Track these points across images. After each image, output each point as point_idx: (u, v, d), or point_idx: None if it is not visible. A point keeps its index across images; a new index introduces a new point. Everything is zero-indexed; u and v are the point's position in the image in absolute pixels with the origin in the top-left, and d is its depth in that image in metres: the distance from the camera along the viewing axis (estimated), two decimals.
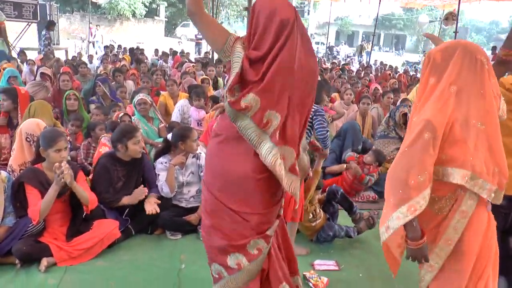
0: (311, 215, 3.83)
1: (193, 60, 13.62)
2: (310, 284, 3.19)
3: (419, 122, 1.87)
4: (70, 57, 13.73)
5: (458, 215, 1.94)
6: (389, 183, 1.93)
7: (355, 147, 5.50)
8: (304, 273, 3.28)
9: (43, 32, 12.35)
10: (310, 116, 3.39)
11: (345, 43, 42.22)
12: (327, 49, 29.42)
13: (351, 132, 5.52)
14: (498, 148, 1.92)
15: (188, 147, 4.02)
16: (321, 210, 3.94)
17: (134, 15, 32.57)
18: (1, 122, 4.90)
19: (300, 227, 3.78)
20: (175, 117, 6.31)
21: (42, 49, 12.11)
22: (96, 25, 24.26)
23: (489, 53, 14.72)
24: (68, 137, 4.96)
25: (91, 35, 20.96)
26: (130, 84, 8.15)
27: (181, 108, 6.33)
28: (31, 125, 3.91)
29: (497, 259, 2.06)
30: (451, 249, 1.96)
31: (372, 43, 18.53)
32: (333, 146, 5.41)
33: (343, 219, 4.12)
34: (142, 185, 3.90)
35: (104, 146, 4.34)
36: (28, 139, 3.83)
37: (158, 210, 3.77)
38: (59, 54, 14.95)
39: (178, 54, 15.55)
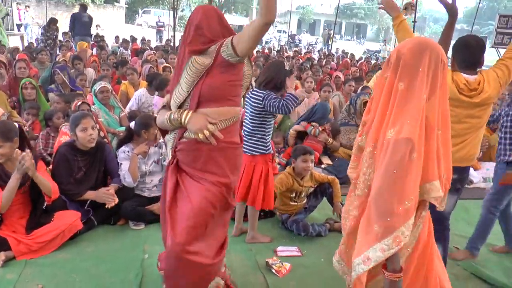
0: (294, 194, 3.95)
1: (154, 48, 13.40)
2: (273, 270, 3.25)
3: (401, 142, 1.71)
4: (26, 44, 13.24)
5: (420, 221, 1.89)
6: (375, 209, 1.75)
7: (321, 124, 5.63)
8: (266, 260, 3.34)
9: (41, 31, 11.73)
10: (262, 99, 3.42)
11: (306, 32, 42.47)
12: (289, 38, 29.52)
13: (320, 110, 5.62)
14: (448, 153, 1.88)
15: (151, 136, 3.98)
16: (305, 197, 4.08)
17: (93, 1, 31.60)
18: None
19: (279, 201, 3.93)
20: (131, 106, 6.19)
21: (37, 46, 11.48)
22: (26, 6, 22.91)
23: None
24: (26, 127, 4.83)
25: (19, 18, 19.49)
26: (90, 72, 7.95)
27: (139, 98, 6.23)
28: None
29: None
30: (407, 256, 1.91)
31: (334, 32, 18.70)
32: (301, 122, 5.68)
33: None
34: (111, 187, 3.86)
35: (65, 135, 4.25)
36: None
37: (117, 200, 3.73)
38: (15, 41, 14.41)
39: (140, 41, 15.27)
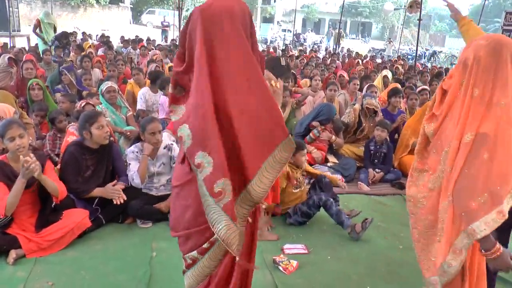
0: (295, 181, 4.03)
1: (158, 48, 13.45)
2: (280, 268, 3.27)
3: (478, 139, 1.84)
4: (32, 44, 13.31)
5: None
6: (470, 187, 1.84)
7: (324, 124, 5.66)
8: (274, 257, 3.36)
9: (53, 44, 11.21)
10: None
11: (311, 31, 42.38)
12: (294, 36, 29.50)
13: (326, 112, 5.61)
14: None
15: (146, 139, 4.00)
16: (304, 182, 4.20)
17: (98, 1, 31.71)
18: None
19: (282, 195, 3.97)
20: (139, 105, 6.31)
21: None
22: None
23: None
24: (33, 128, 4.88)
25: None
26: (96, 72, 8.01)
27: (143, 96, 6.32)
28: (0, 107, 3.83)
29: None
30: None
31: (339, 31, 18.69)
32: (307, 123, 5.70)
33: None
34: (116, 180, 3.89)
35: (72, 135, 4.29)
36: None
37: (125, 198, 3.76)
38: (21, 42, 14.50)
39: (145, 41, 15.33)
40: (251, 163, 1.77)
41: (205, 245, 1.97)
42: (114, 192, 3.76)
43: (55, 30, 11.34)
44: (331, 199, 3.99)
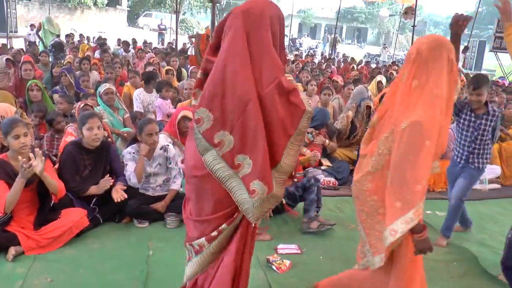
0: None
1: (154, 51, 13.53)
2: (273, 267, 3.35)
3: (412, 128, 2.05)
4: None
5: None
6: (396, 189, 2.09)
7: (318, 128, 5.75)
8: (267, 257, 3.44)
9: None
10: None
11: (307, 35, 42.63)
12: (290, 41, 29.66)
13: (320, 117, 5.67)
14: (446, 132, 2.25)
15: (143, 140, 4.08)
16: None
17: (95, 3, 31.76)
18: None
19: None
20: (136, 106, 6.43)
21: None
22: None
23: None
24: (32, 128, 4.94)
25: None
26: (94, 74, 8.09)
27: (138, 97, 6.44)
28: (2, 108, 3.91)
29: None
30: None
31: (335, 36, 18.85)
32: None
33: None
34: (108, 175, 3.95)
35: (70, 136, 4.37)
36: None
37: (126, 196, 3.84)
38: (18, 43, 14.53)
39: (142, 44, 15.41)
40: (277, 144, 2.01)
41: (213, 233, 2.13)
42: (106, 182, 3.85)
43: (58, 37, 11.48)
44: (317, 187, 4.13)
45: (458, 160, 3.90)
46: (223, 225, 2.11)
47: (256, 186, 1.96)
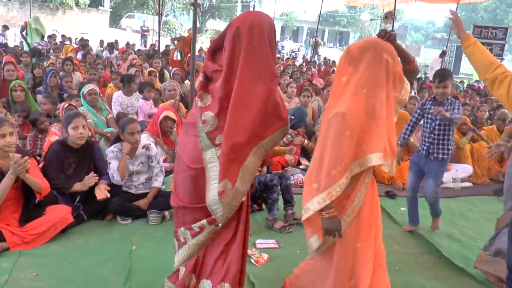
0: None
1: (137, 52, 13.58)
2: (252, 261, 3.49)
3: (335, 118, 2.25)
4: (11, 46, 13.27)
5: (364, 186, 2.41)
6: (315, 171, 2.29)
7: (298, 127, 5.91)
8: None
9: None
10: None
11: (290, 38, 42.95)
12: None
13: (298, 115, 5.85)
14: (392, 133, 2.38)
15: (125, 139, 4.21)
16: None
17: (77, 4, 31.50)
18: None
19: None
20: (114, 109, 6.48)
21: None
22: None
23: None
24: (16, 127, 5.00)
25: None
26: (77, 75, 8.14)
27: (117, 100, 6.51)
28: None
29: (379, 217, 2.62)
30: (354, 215, 2.43)
31: (315, 39, 19.11)
32: None
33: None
34: (92, 172, 4.04)
35: (54, 135, 4.46)
36: None
37: (109, 195, 3.95)
38: None
39: (124, 45, 15.43)
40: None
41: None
42: (90, 179, 3.95)
43: (42, 37, 11.44)
44: (279, 187, 4.24)
45: (422, 151, 4.12)
46: None
47: (224, 186, 2.19)
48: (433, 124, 4.04)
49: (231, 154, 2.17)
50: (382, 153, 2.29)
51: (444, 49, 17.80)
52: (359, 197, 2.41)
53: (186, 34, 14.39)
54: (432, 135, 4.04)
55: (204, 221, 2.35)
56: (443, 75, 4.00)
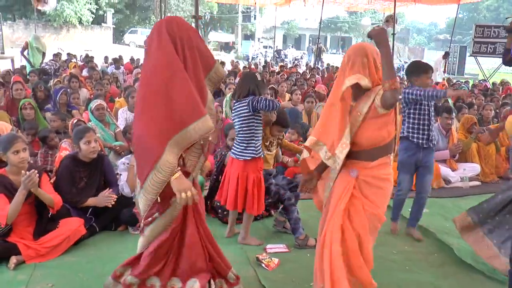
0: (268, 142, 4.27)
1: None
2: (263, 265, 3.55)
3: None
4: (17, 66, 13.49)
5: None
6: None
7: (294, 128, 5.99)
8: (257, 256, 3.65)
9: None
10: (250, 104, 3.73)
11: (292, 46, 43.17)
12: (275, 53, 30.06)
13: (292, 115, 5.93)
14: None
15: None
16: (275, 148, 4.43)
17: (80, 22, 31.97)
18: None
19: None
20: (119, 124, 6.39)
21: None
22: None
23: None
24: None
25: None
26: (84, 92, 8.27)
27: (121, 117, 6.50)
28: None
29: None
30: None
31: (318, 45, 19.23)
32: None
33: None
34: (108, 188, 4.11)
35: (65, 150, 4.54)
36: None
37: (115, 198, 4.03)
38: (4, 64, 14.65)
39: (129, 60, 15.60)
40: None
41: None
42: (107, 198, 4.02)
43: (43, 56, 11.60)
44: (296, 206, 4.03)
45: (421, 142, 4.03)
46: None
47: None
48: (430, 110, 4.02)
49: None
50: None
51: (448, 50, 17.84)
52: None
53: None
54: (431, 122, 4.04)
55: (156, 214, 2.58)
56: (425, 66, 4.09)
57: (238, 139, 3.83)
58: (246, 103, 3.71)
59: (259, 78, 4.17)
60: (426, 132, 4.04)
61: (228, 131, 4.60)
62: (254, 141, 3.78)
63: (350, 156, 2.63)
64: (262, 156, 3.92)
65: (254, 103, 3.66)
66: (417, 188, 4.29)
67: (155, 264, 2.68)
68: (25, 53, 11.26)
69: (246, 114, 3.73)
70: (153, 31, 2.44)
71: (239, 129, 3.81)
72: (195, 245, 2.66)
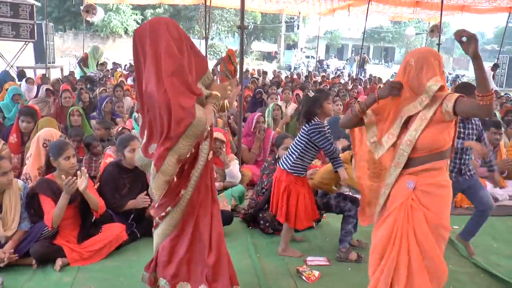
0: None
1: None
2: (303, 277, 3.50)
3: None
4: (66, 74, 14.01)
5: None
6: None
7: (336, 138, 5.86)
8: (297, 267, 3.60)
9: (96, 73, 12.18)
10: (307, 134, 3.72)
11: (335, 57, 42.81)
12: (317, 63, 29.92)
13: (334, 124, 5.80)
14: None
15: None
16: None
17: (126, 32, 32.96)
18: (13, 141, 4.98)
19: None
20: None
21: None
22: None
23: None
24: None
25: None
26: (128, 100, 8.48)
27: None
28: (49, 132, 4.29)
29: None
30: None
31: (361, 55, 18.99)
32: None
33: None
34: (146, 191, 4.18)
35: (109, 157, 4.66)
36: (45, 145, 4.22)
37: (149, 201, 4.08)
38: (55, 72, 15.26)
39: None
40: None
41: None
42: (143, 200, 4.09)
43: (97, 64, 12.06)
44: (355, 220, 3.92)
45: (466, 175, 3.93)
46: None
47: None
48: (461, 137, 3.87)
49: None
50: None
51: (496, 61, 17.18)
52: None
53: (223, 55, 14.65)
54: (463, 151, 3.88)
55: (169, 208, 2.71)
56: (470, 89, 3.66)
57: (291, 151, 3.83)
58: (307, 130, 3.74)
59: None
60: (457, 166, 3.90)
61: (281, 140, 4.46)
62: (303, 164, 3.78)
63: (407, 165, 2.57)
64: (306, 175, 3.91)
65: (319, 136, 3.67)
66: (478, 206, 3.98)
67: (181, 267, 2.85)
68: (82, 64, 11.73)
69: (305, 140, 3.76)
70: (154, 32, 2.38)
71: (295, 147, 3.81)
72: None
